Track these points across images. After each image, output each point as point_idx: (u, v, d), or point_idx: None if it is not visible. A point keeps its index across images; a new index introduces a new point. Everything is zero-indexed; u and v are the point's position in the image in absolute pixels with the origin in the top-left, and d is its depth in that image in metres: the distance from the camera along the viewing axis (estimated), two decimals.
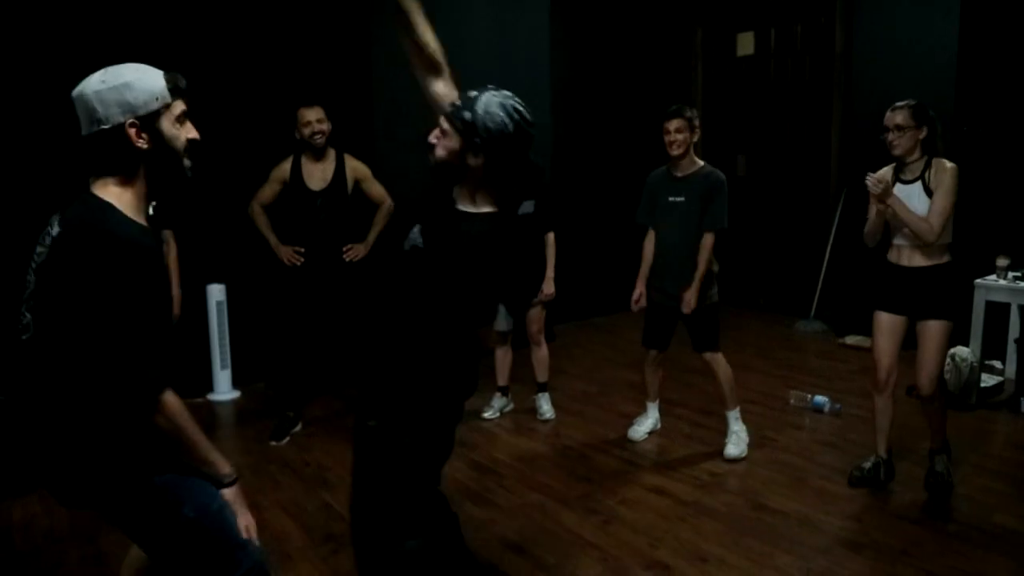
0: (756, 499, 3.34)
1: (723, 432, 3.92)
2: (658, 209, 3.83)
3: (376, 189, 4.19)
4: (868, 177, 3.22)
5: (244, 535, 1.79)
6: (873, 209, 3.34)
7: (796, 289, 6.68)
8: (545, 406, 4.41)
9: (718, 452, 3.85)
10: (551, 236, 4.19)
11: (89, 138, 1.57)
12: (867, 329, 5.82)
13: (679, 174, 3.74)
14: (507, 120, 1.95)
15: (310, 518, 3.25)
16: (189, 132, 1.66)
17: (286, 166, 4.02)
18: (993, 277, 4.84)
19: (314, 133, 3.90)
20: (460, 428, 4.25)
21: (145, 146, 1.59)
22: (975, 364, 4.45)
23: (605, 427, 4.28)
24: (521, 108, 1.99)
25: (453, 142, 2.01)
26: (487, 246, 2.03)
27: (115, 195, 1.59)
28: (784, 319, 6.57)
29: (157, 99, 1.59)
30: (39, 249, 1.60)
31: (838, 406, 4.39)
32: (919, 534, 3.00)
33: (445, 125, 2.04)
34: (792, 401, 4.55)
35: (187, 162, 1.68)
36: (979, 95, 5.38)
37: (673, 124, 3.62)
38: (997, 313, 4.91)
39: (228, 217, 4.53)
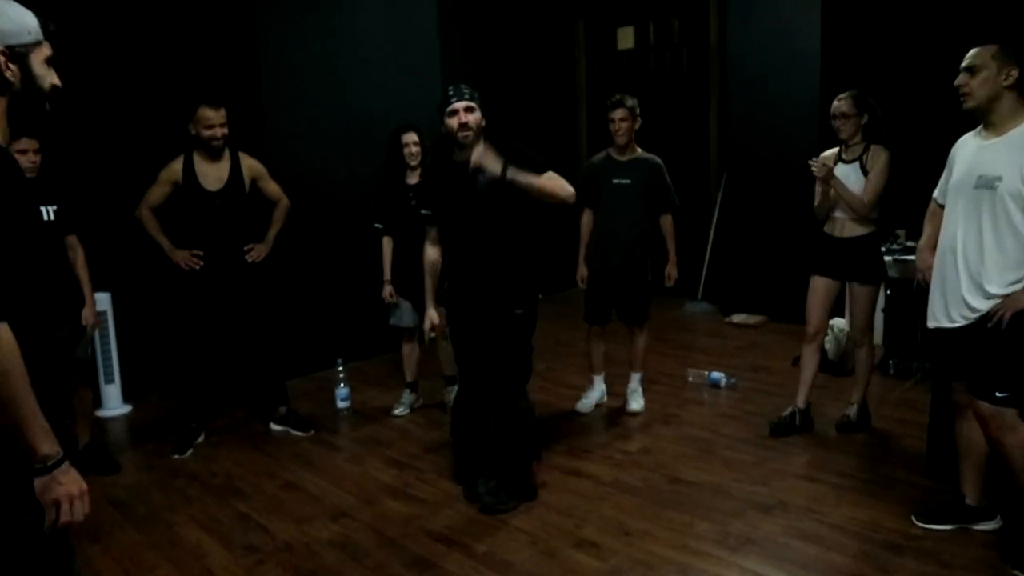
0: (670, 473, 3.50)
1: (623, 411, 4.26)
2: (604, 190, 4.13)
3: (272, 187, 4.06)
4: (811, 162, 3.63)
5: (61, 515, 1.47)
6: (819, 187, 3.72)
7: (683, 272, 6.96)
8: (452, 397, 4.41)
9: (627, 430, 4.01)
10: None
11: None
12: (751, 307, 6.23)
13: (623, 159, 4.09)
14: None
15: (227, 530, 3.13)
16: (53, 78, 1.61)
17: (177, 167, 3.82)
18: None
19: (215, 136, 3.74)
20: (371, 426, 4.23)
21: (12, 78, 1.52)
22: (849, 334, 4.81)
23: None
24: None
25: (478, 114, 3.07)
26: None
27: None
28: (673, 300, 6.86)
29: (30, 33, 1.55)
30: None
31: (734, 380, 4.64)
32: (818, 491, 3.24)
33: (472, 104, 3.06)
34: (690, 379, 4.77)
35: (48, 106, 1.64)
36: (844, 78, 5.79)
37: (618, 113, 3.97)
38: None
39: (110, 222, 4.27)
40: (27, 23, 1.54)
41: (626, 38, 7.36)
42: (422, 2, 5.73)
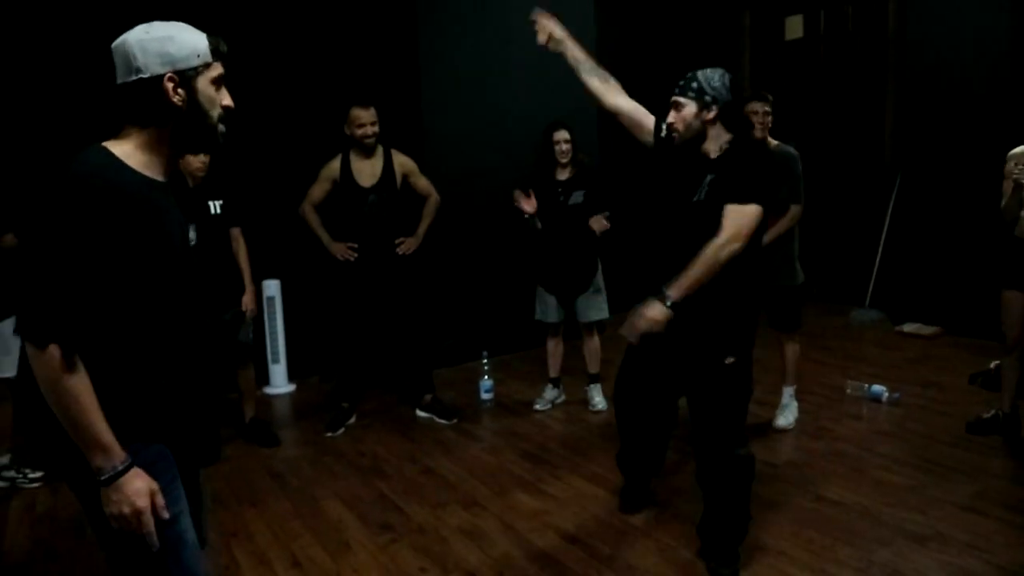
0: (815, 490, 3.29)
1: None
2: None
3: (423, 183, 4.23)
4: (1016, 171, 3.29)
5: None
6: (1009, 186, 3.39)
7: (851, 276, 6.54)
8: (597, 397, 4.40)
9: (773, 441, 3.83)
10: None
11: (124, 87, 1.52)
12: (924, 316, 5.73)
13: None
14: (721, 76, 2.61)
15: (366, 508, 3.30)
16: (224, 98, 1.61)
17: (335, 164, 4.07)
18: None
19: (366, 135, 3.95)
20: (511, 419, 4.30)
21: (180, 102, 1.53)
22: None
23: None
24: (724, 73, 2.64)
25: (689, 109, 2.57)
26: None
27: (129, 148, 1.53)
28: (839, 307, 6.44)
29: (198, 56, 1.55)
30: None
31: (896, 395, 4.29)
32: (985, 526, 2.92)
33: (679, 99, 2.63)
34: (849, 391, 4.46)
35: (221, 128, 1.63)
36: None
37: (760, 106, 3.86)
38: None
39: (281, 214, 4.61)
40: (196, 46, 1.55)
41: (795, 27, 6.96)
42: None
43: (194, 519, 1.67)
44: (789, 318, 3.94)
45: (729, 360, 2.54)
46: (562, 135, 4.11)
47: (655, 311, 2.44)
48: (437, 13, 5.06)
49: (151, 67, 1.51)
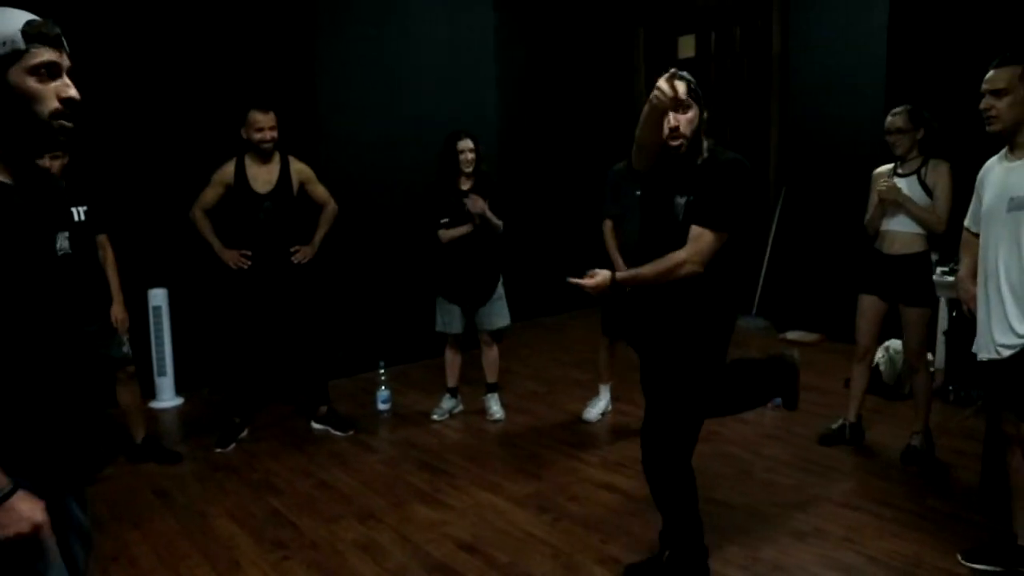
0: (704, 493, 3.35)
1: None
2: (627, 202, 3.96)
3: (320, 191, 4.14)
4: (882, 184, 3.53)
5: None
6: (874, 199, 3.63)
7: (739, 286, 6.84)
8: (495, 407, 4.42)
9: None
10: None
11: None
12: (807, 325, 6.05)
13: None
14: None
15: (258, 524, 3.19)
16: (63, 90, 1.42)
17: (229, 169, 3.93)
18: None
19: (264, 139, 3.84)
20: (409, 429, 4.26)
21: None
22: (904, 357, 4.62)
23: (554, 425, 4.31)
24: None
25: (694, 112, 2.39)
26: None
27: None
28: None
29: (4, 44, 1.36)
30: None
31: (780, 400, 4.48)
32: (859, 520, 3.10)
33: (685, 98, 2.31)
34: None
35: (64, 123, 1.43)
36: (909, 92, 5.58)
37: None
38: None
39: (167, 220, 4.42)
40: (3, 32, 1.36)
41: (687, 46, 7.24)
42: (479, 8, 5.76)
43: (71, 555, 1.55)
44: None
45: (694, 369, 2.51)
46: (466, 144, 4.09)
47: (601, 278, 2.49)
48: (336, 14, 4.99)
49: None
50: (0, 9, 1.39)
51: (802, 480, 3.50)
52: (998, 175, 2.62)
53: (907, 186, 3.52)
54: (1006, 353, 2.51)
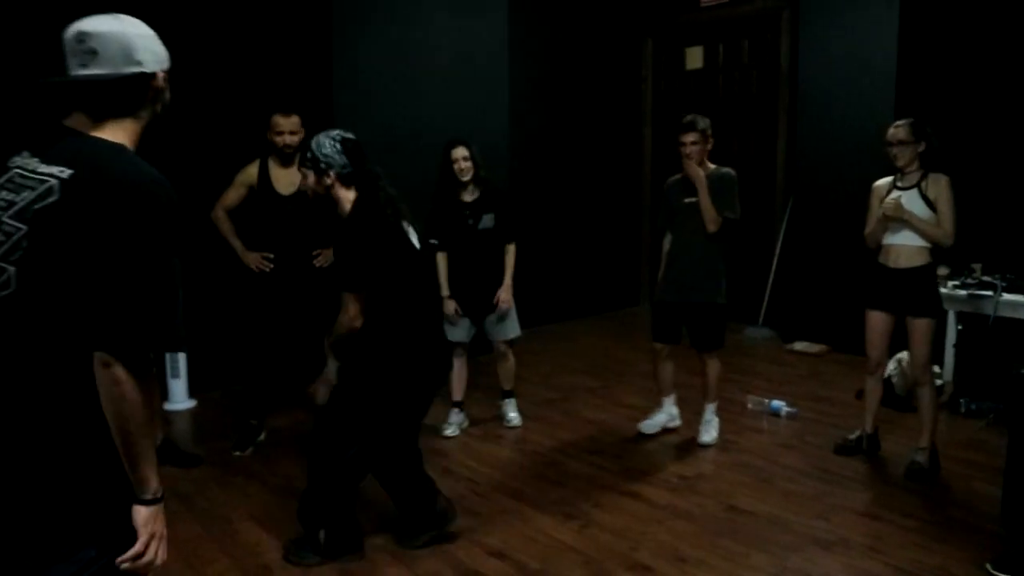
0: (726, 501, 3.44)
1: (685, 436, 4.16)
2: (676, 212, 4.05)
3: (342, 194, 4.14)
4: (884, 205, 3.58)
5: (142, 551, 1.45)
6: (875, 212, 3.69)
7: (744, 297, 6.88)
8: (512, 413, 4.40)
9: (684, 454, 3.96)
10: (511, 247, 4.21)
11: (121, 79, 1.47)
12: (813, 336, 6.10)
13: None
14: (332, 142, 2.83)
15: (285, 529, 3.18)
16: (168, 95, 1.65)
17: (252, 170, 3.94)
18: None
19: (286, 143, 3.85)
20: (427, 437, 4.23)
21: (161, 100, 1.59)
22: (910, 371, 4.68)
23: (571, 432, 4.33)
24: (341, 134, 2.88)
25: (310, 179, 2.85)
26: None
27: (126, 140, 1.51)
28: (733, 325, 6.74)
29: (168, 61, 1.60)
30: (23, 196, 1.40)
31: (794, 410, 4.54)
32: (882, 530, 3.14)
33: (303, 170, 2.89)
34: (750, 405, 4.69)
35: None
36: (919, 105, 5.66)
37: (690, 137, 3.86)
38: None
39: (185, 221, 4.41)
40: (164, 48, 1.60)
41: (695, 58, 7.31)
42: (493, 16, 5.79)
43: None
44: (711, 337, 4.04)
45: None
46: (459, 152, 4.03)
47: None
48: (352, 21, 5.00)
49: (148, 64, 1.52)
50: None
51: (822, 490, 3.54)
52: None
53: (907, 199, 3.55)
54: None
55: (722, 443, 4.12)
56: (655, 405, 4.34)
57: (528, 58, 6.63)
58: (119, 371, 1.34)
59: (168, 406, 4.66)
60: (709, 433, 4.11)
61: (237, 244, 3.98)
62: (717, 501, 3.43)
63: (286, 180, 3.94)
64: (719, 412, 4.22)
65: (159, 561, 1.47)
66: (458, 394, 4.35)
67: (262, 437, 4.14)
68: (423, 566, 2.89)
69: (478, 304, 4.20)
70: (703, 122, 3.90)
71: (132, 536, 1.43)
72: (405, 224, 2.93)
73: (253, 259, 3.95)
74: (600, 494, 3.51)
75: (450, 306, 4.15)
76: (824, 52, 6.02)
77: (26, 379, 1.38)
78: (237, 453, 3.97)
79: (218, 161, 4.28)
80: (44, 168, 1.41)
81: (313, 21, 4.98)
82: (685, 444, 4.13)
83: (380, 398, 2.83)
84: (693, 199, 3.94)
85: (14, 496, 1.39)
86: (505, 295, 4.17)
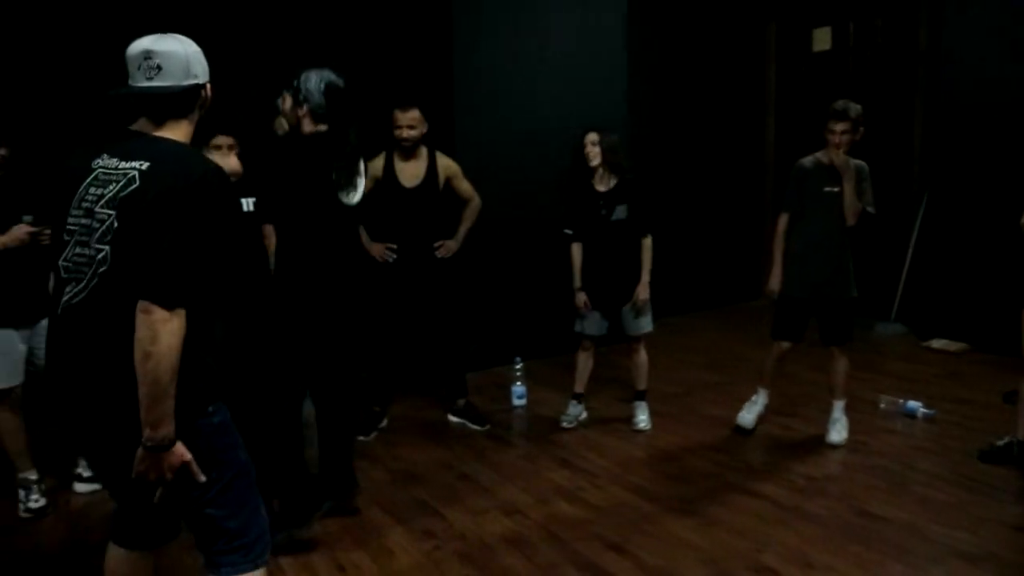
0: (858, 505, 3.27)
1: (810, 434, 3.97)
2: (809, 198, 3.86)
3: (465, 186, 4.21)
4: None
5: None
6: None
7: (876, 290, 6.52)
8: (641, 416, 4.24)
9: (810, 454, 3.80)
10: (647, 241, 4.08)
11: (182, 90, 1.80)
12: (952, 333, 5.71)
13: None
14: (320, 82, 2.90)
15: (407, 513, 3.28)
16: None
17: (379, 163, 4.06)
18: None
19: (402, 136, 3.94)
20: (545, 426, 4.23)
21: (207, 104, 1.90)
22: None
23: (692, 428, 4.23)
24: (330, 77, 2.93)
25: (287, 103, 2.98)
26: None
27: (183, 138, 1.84)
28: (862, 320, 6.39)
29: (207, 70, 1.90)
30: (111, 188, 1.70)
31: (932, 411, 4.26)
32: None
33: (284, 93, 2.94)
34: (882, 405, 4.44)
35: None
36: None
37: (840, 126, 3.70)
38: None
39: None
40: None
41: (823, 39, 6.96)
42: (611, 8, 5.71)
43: None
44: (842, 330, 3.88)
45: None
46: (589, 137, 3.96)
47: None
48: (472, 16, 5.06)
49: (201, 76, 1.85)
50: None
51: (965, 498, 3.30)
52: None
53: None
54: None
55: (852, 444, 3.93)
56: (756, 396, 4.20)
57: (647, 47, 6.50)
58: (155, 314, 1.60)
59: None
60: (839, 432, 3.93)
61: (363, 235, 4.11)
62: (847, 505, 3.27)
63: (410, 173, 4.04)
64: (847, 411, 4.02)
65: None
66: (579, 386, 4.31)
67: (384, 423, 4.27)
68: (541, 556, 2.90)
69: (610, 297, 4.10)
70: (855, 110, 3.70)
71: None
72: (346, 178, 2.98)
73: (377, 250, 4.08)
74: (722, 492, 3.42)
75: (580, 298, 4.10)
76: (969, 31, 5.58)
77: (126, 336, 1.63)
78: (361, 438, 4.11)
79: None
80: (125, 164, 1.72)
81: (434, 18, 5.07)
82: (811, 443, 3.96)
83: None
84: (835, 189, 3.76)
85: (120, 400, 1.68)
86: (643, 293, 4.07)
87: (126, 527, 1.99)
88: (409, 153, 4.02)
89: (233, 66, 4.53)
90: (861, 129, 3.75)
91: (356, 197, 2.97)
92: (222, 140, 3.12)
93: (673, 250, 6.69)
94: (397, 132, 3.94)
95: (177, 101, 1.81)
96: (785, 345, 4.00)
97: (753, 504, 3.30)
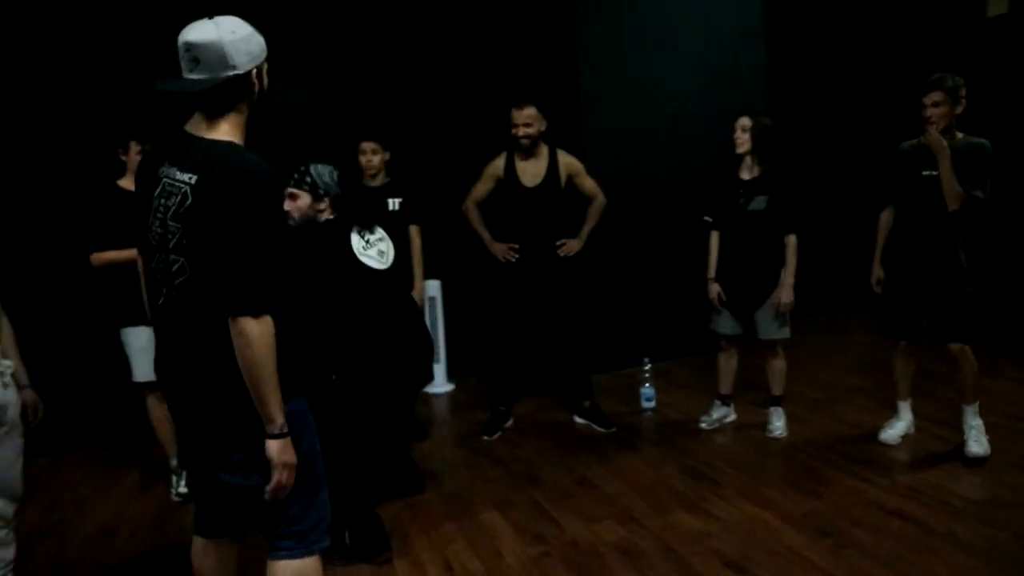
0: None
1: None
2: (908, 183, 3.53)
3: (589, 184, 4.12)
4: None
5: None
6: None
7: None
8: (777, 423, 3.98)
9: (969, 471, 3.40)
10: (792, 239, 3.78)
11: (220, 84, 1.70)
12: None
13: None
14: (330, 172, 2.87)
15: (520, 516, 3.24)
16: (265, 82, 1.83)
17: (500, 163, 4.05)
18: None
19: (519, 135, 3.91)
20: (673, 431, 4.07)
21: (258, 93, 1.79)
22: None
23: (833, 438, 3.90)
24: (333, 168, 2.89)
25: (302, 200, 2.81)
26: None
27: (234, 136, 1.76)
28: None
29: (264, 51, 1.78)
30: (173, 200, 1.71)
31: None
32: None
33: (294, 191, 2.80)
34: None
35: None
36: None
37: (931, 98, 3.36)
38: None
39: (441, 214, 4.67)
40: (263, 42, 1.79)
41: (999, 2, 6.22)
42: None
43: None
44: (954, 326, 3.45)
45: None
46: (740, 122, 3.74)
47: None
48: (595, 8, 4.94)
49: (243, 65, 1.72)
50: (246, 23, 1.75)
51: None
52: None
53: None
54: None
55: (1019, 461, 3.46)
56: (898, 413, 3.83)
57: (789, 23, 6.08)
58: (245, 324, 1.65)
59: (428, 389, 4.99)
60: (980, 443, 3.50)
61: (485, 234, 4.13)
62: (1012, 533, 2.87)
63: (530, 172, 4.00)
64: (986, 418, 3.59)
65: (290, 483, 1.78)
66: (724, 387, 4.12)
67: (509, 423, 4.27)
68: (653, 570, 2.77)
69: (743, 294, 3.87)
70: (952, 80, 3.33)
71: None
72: (368, 240, 2.89)
73: (500, 250, 4.07)
74: (862, 510, 3.11)
75: (713, 289, 3.91)
76: None
77: (211, 340, 1.72)
78: (485, 437, 4.13)
79: (469, 155, 4.47)
80: (179, 175, 1.71)
81: (556, 10, 5.00)
82: (968, 463, 3.52)
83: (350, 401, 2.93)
84: (932, 172, 3.37)
85: (210, 410, 1.80)
86: (785, 297, 3.79)
87: (209, 516, 2.07)
88: (529, 152, 3.98)
89: (357, 66, 4.71)
90: (963, 102, 3.34)
91: (389, 259, 2.93)
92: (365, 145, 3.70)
93: (819, 244, 6.25)
94: (514, 131, 3.92)
95: (217, 96, 1.72)
96: (901, 344, 3.67)
97: (897, 526, 2.98)
